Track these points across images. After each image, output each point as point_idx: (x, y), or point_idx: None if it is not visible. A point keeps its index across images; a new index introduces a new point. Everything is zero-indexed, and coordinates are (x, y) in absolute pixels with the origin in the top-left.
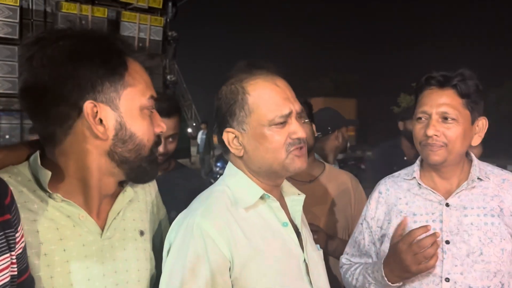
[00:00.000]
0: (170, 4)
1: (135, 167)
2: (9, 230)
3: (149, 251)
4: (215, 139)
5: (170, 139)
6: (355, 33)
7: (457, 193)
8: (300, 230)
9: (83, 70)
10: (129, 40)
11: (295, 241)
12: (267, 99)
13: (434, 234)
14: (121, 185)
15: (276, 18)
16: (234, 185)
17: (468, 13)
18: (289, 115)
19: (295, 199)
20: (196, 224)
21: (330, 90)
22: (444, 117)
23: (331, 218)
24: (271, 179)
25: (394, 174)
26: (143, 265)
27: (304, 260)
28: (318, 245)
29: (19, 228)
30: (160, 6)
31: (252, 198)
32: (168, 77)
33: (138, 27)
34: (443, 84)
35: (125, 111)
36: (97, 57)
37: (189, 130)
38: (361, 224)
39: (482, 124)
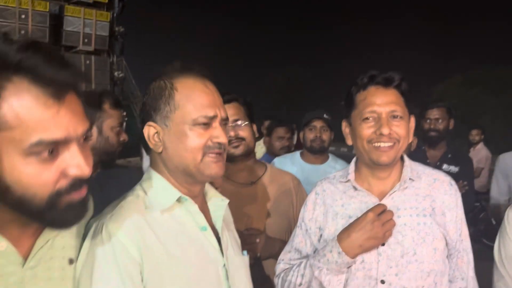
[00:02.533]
0: None
1: (34, 216)
2: None
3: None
4: None
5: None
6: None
7: (390, 194)
8: (220, 235)
9: None
10: (74, 36)
11: (215, 246)
12: (194, 98)
13: (391, 211)
14: None
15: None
16: (149, 188)
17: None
18: (213, 118)
19: (218, 204)
20: (105, 229)
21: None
22: (393, 115)
23: (273, 220)
24: (189, 182)
25: (330, 176)
26: None
27: (224, 265)
28: (245, 251)
29: None
30: (106, 1)
31: (167, 201)
32: (116, 73)
33: (83, 22)
34: (387, 83)
35: (0, 157)
36: None
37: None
38: (299, 227)
39: (413, 121)
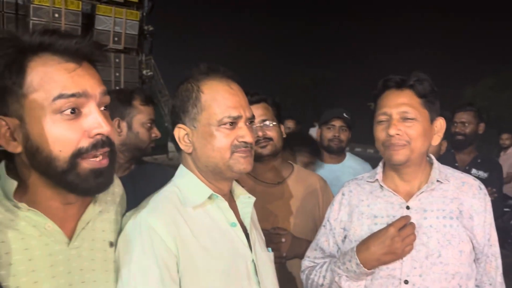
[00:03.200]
0: None
1: (59, 180)
2: None
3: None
4: None
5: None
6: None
7: (417, 195)
8: (249, 231)
9: None
10: (105, 34)
11: (244, 241)
12: (219, 99)
13: (413, 223)
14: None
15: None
16: (183, 185)
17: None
18: (237, 118)
19: (245, 201)
20: (143, 220)
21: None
22: (405, 117)
23: (299, 220)
24: (217, 180)
25: (358, 176)
26: (112, 276)
27: (253, 260)
28: (269, 248)
29: None
30: (136, 0)
31: (200, 197)
32: (144, 72)
33: (113, 21)
34: (400, 85)
35: (30, 121)
36: None
37: (166, 125)
38: (324, 226)
39: (440, 124)
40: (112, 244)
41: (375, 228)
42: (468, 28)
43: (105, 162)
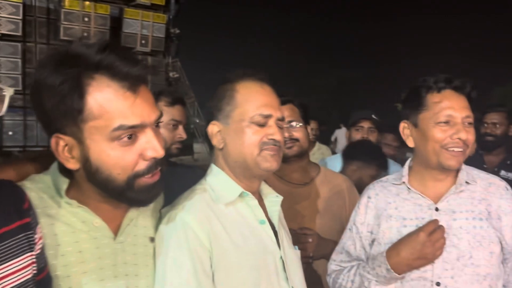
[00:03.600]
0: (173, 1)
1: (117, 195)
2: (29, 232)
3: None
4: None
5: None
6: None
7: (446, 197)
8: (277, 229)
9: (50, 105)
10: (132, 38)
11: (272, 239)
12: (252, 98)
13: (443, 227)
14: None
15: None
16: (215, 183)
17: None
18: (268, 116)
19: (273, 200)
20: (179, 217)
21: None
22: (468, 122)
23: (325, 221)
24: (247, 178)
25: (382, 179)
26: (151, 271)
27: (281, 257)
28: (296, 246)
29: (37, 230)
30: (163, 3)
31: (231, 195)
32: (171, 74)
33: (140, 24)
34: (461, 88)
35: (89, 144)
36: (57, 94)
37: (192, 126)
38: (350, 229)
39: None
40: (153, 240)
41: (405, 231)
42: (497, 27)
43: (157, 177)
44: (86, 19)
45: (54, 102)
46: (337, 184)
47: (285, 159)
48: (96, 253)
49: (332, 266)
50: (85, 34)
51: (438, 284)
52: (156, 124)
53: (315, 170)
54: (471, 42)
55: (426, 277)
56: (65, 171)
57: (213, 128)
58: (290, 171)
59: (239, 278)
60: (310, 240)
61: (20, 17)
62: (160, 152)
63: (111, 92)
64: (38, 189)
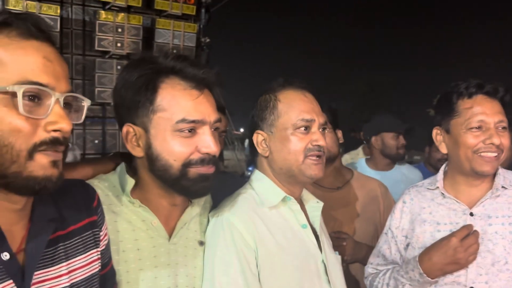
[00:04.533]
0: (203, 10)
1: (172, 184)
2: (96, 229)
3: None
4: None
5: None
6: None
7: (482, 202)
8: (318, 234)
9: (127, 97)
10: (164, 47)
11: (314, 243)
12: (294, 106)
13: (477, 232)
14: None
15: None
16: (259, 188)
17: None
18: (311, 121)
19: (314, 205)
20: (225, 218)
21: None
22: (501, 126)
23: (359, 225)
24: (291, 183)
25: (418, 183)
26: (200, 273)
27: (323, 260)
28: (337, 252)
29: (103, 228)
30: (194, 13)
31: (275, 199)
32: None
33: (172, 34)
34: (493, 93)
35: (154, 133)
36: (133, 86)
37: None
38: (386, 234)
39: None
40: (202, 243)
41: (438, 235)
42: None
43: (212, 170)
44: (119, 30)
45: (130, 93)
46: (371, 189)
47: None
48: (153, 252)
49: (369, 269)
50: (119, 44)
51: None
52: (215, 128)
53: (348, 174)
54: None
55: (460, 282)
56: (131, 172)
57: (258, 137)
58: (323, 176)
59: (283, 278)
60: (344, 243)
61: (58, 30)
62: (214, 149)
63: (179, 89)
64: (104, 187)
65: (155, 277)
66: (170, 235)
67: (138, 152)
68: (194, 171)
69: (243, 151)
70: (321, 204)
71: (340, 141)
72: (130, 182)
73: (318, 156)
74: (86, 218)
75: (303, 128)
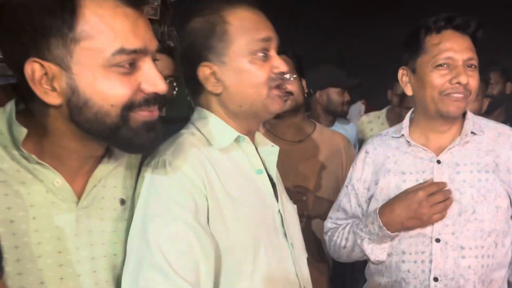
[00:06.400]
0: None
1: (107, 136)
2: None
3: (130, 222)
4: None
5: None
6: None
7: (450, 149)
8: (275, 181)
9: (29, 21)
10: None
11: (270, 191)
12: (248, 28)
13: (448, 191)
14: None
15: None
16: (206, 127)
17: None
18: (269, 40)
19: (269, 149)
20: (167, 162)
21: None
22: (470, 64)
23: (321, 180)
24: (249, 121)
25: (382, 132)
26: (121, 237)
27: (279, 211)
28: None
29: None
30: None
31: (227, 139)
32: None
33: None
34: (463, 28)
35: (78, 71)
36: (40, 5)
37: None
38: (346, 186)
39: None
40: (124, 202)
41: (404, 186)
42: None
43: (156, 114)
44: None
45: (36, 14)
46: (335, 143)
47: (278, 115)
48: (54, 221)
49: (328, 223)
50: None
51: (437, 240)
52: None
53: (311, 127)
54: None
55: (425, 234)
56: (23, 117)
57: (205, 71)
58: (283, 127)
59: (236, 233)
60: (304, 198)
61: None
62: (162, 87)
63: (108, 7)
64: None
65: (59, 252)
66: (79, 197)
67: (53, 98)
68: (137, 116)
69: None
70: (276, 148)
71: (305, 91)
72: (21, 131)
73: (283, 88)
74: None
75: (261, 54)
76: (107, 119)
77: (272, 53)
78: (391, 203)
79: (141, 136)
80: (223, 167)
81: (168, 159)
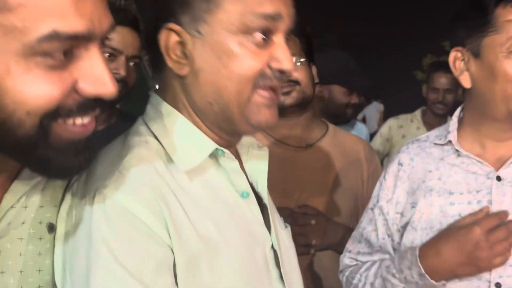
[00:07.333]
0: None
1: (20, 155)
2: None
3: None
4: None
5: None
6: None
7: None
8: (266, 202)
9: None
10: None
11: (259, 219)
12: None
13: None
14: None
15: None
16: (164, 134)
17: None
18: (276, 19)
19: (256, 153)
20: (107, 197)
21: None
22: None
23: (335, 198)
24: (223, 130)
25: (420, 137)
26: (48, 278)
27: (272, 246)
28: (286, 224)
29: None
30: None
31: (197, 156)
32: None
33: None
34: None
35: None
36: None
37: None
38: (372, 209)
39: None
40: (52, 228)
41: (451, 211)
42: None
43: (92, 127)
44: None
45: None
46: (353, 150)
47: (280, 111)
48: None
49: (346, 259)
50: None
51: (498, 285)
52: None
53: (322, 129)
54: None
55: (481, 276)
56: None
57: (169, 37)
58: (286, 128)
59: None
60: (313, 222)
61: None
62: (110, 88)
63: None
64: None
65: None
66: None
67: None
68: (62, 129)
69: None
70: (265, 150)
71: (316, 81)
72: None
73: (274, 91)
74: None
75: (259, 35)
76: (18, 131)
77: (278, 38)
78: (435, 242)
79: (65, 159)
80: (193, 198)
81: (106, 192)
